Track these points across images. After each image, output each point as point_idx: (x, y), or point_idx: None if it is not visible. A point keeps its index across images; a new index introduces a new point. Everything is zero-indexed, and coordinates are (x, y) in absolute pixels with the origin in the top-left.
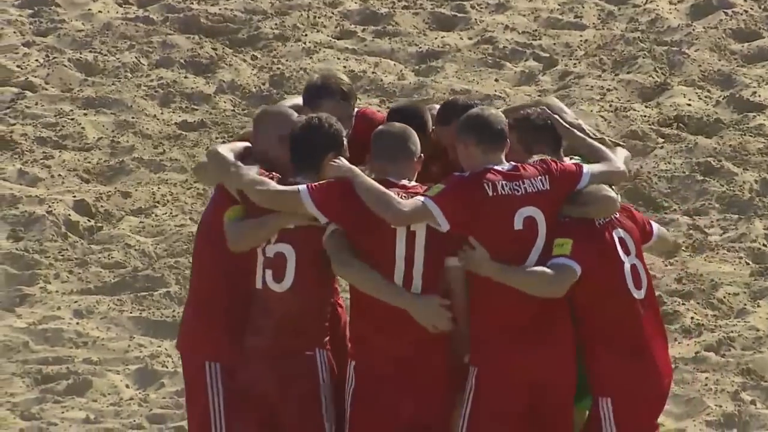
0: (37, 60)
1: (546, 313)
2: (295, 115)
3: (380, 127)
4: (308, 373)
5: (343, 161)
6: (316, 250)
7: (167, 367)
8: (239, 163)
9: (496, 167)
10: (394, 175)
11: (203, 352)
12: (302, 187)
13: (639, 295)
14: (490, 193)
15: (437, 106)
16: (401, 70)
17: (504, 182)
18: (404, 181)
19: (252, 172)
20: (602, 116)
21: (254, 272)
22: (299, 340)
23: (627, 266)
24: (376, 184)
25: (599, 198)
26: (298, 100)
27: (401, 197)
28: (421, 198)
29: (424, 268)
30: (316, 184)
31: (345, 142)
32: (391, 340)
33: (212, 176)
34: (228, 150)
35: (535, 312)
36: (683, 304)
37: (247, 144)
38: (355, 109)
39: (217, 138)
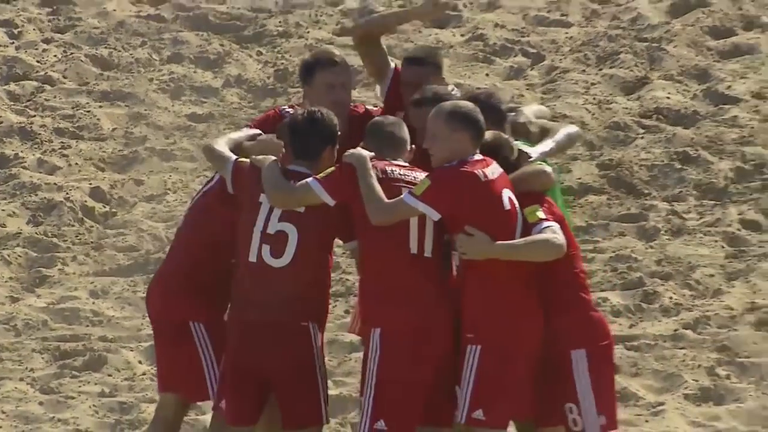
0: (55, 55)
1: (529, 287)
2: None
3: (376, 118)
4: (303, 342)
5: (358, 150)
6: (318, 232)
7: None
8: (259, 158)
9: (476, 157)
10: (391, 158)
11: (187, 313)
12: (311, 180)
13: None
14: (483, 179)
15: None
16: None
17: (487, 169)
18: (399, 161)
19: (268, 161)
20: (587, 109)
21: (246, 246)
22: (294, 311)
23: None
24: (376, 184)
25: (537, 172)
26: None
27: (398, 172)
28: (404, 197)
29: (434, 233)
30: (323, 174)
31: (338, 134)
32: (410, 302)
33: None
34: (224, 144)
35: (523, 286)
36: (662, 284)
37: (256, 131)
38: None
39: (224, 129)
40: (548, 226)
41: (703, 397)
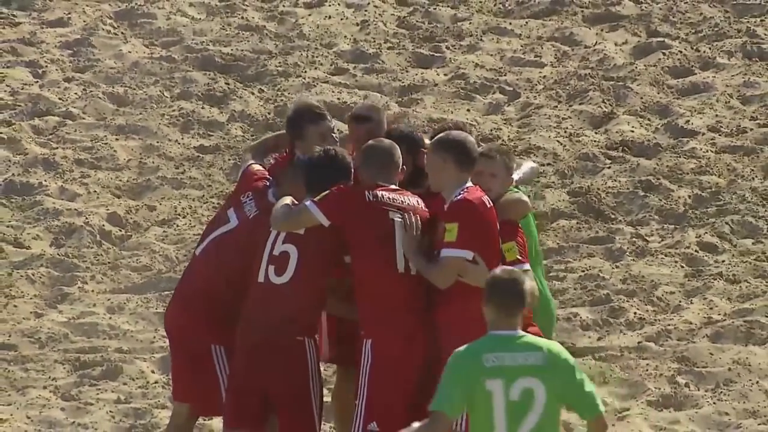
0: (76, 93)
1: None
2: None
3: (370, 142)
4: (298, 358)
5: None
6: (315, 251)
7: None
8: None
9: (469, 184)
10: (383, 181)
11: (210, 337)
12: (308, 203)
13: None
14: (488, 205)
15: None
16: (387, 102)
17: (485, 195)
18: (392, 186)
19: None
20: (558, 141)
21: (257, 269)
22: (291, 327)
23: None
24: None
25: (516, 201)
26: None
27: (388, 197)
28: (445, 252)
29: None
30: (320, 197)
31: (352, 172)
32: (397, 314)
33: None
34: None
35: None
36: (627, 301)
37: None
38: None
39: (229, 159)
40: (527, 270)
41: (665, 404)
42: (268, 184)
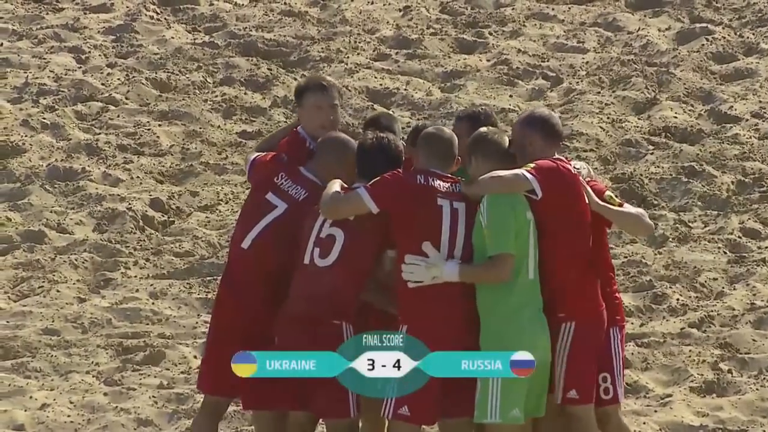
0: (119, 79)
1: None
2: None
3: (431, 129)
4: (334, 340)
5: None
6: (361, 237)
7: None
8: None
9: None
10: (437, 168)
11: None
12: (360, 189)
13: None
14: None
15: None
16: (429, 88)
17: None
18: (446, 174)
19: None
20: (601, 127)
21: (303, 250)
22: (329, 309)
23: None
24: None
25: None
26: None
27: (438, 183)
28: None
29: (464, 238)
30: (372, 182)
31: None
32: (434, 299)
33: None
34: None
35: None
36: (670, 287)
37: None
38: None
39: None
40: (625, 207)
41: (707, 390)
42: (290, 161)
